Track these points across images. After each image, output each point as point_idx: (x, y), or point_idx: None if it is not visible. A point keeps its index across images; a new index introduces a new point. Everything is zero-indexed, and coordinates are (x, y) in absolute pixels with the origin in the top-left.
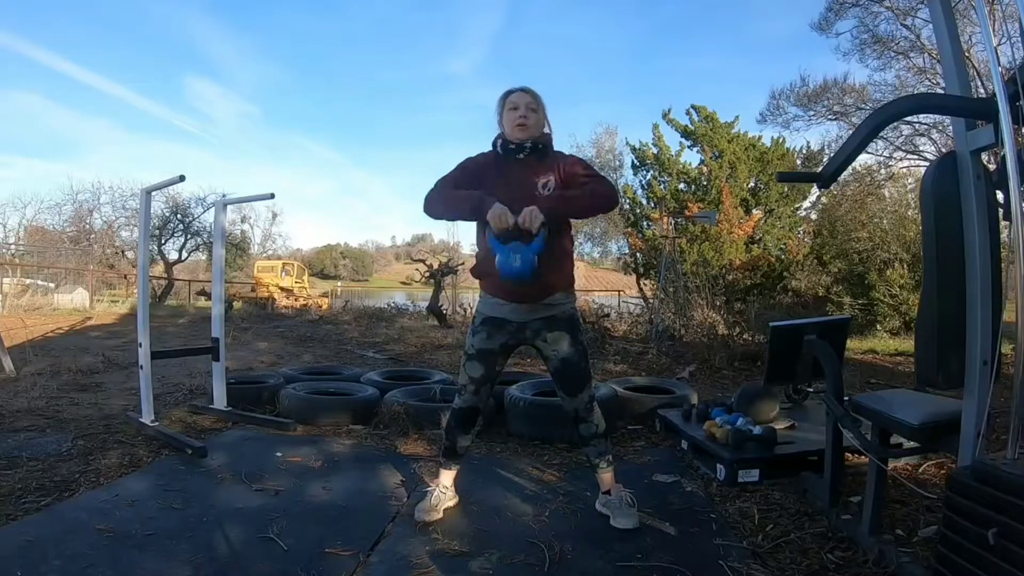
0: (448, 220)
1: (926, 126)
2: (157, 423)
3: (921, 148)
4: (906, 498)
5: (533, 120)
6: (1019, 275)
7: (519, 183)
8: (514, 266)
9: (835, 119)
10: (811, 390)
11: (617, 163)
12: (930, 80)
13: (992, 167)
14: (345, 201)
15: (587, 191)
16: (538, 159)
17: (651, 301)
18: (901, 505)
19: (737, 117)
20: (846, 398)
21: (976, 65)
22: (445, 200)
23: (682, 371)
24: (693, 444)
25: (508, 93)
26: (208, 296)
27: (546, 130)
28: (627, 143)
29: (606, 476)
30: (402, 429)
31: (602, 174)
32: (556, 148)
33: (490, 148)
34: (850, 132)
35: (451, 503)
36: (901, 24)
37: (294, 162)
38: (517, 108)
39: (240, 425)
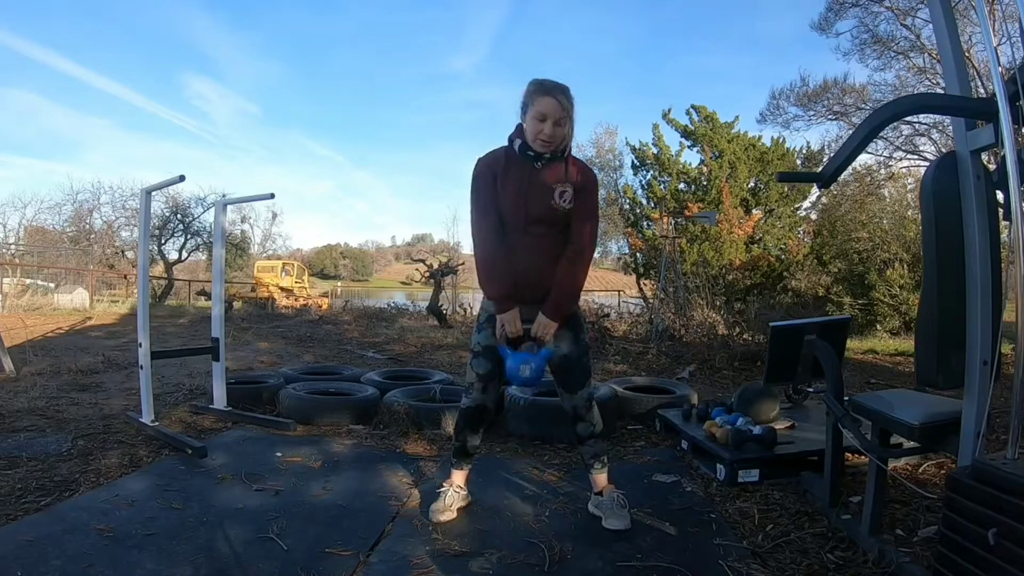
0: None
1: (926, 126)
2: (157, 423)
3: (921, 148)
4: (906, 498)
5: (558, 135)
6: (1019, 275)
7: (538, 191)
8: (524, 376)
9: (835, 119)
10: (811, 390)
11: (617, 163)
12: (930, 80)
13: (992, 167)
14: (345, 201)
15: (578, 265)
16: (557, 165)
17: (651, 301)
18: (901, 505)
19: (737, 117)
20: (846, 398)
21: (976, 65)
22: (482, 260)
23: (682, 371)
24: (693, 444)
25: (539, 91)
26: (208, 296)
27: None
28: (627, 143)
29: (600, 477)
30: (402, 429)
31: (590, 205)
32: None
33: (505, 143)
34: (850, 132)
35: (464, 503)
36: (901, 24)
37: (294, 162)
38: (545, 120)
39: (240, 425)
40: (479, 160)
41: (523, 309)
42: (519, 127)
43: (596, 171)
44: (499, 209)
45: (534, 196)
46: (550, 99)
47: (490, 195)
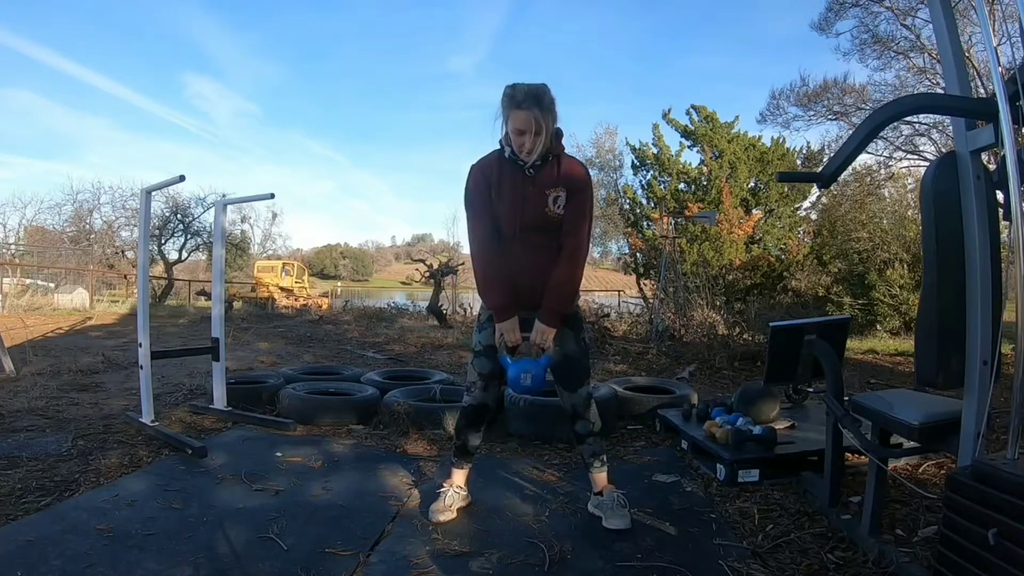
0: None
1: (926, 126)
2: (157, 423)
3: (921, 148)
4: (906, 498)
5: (540, 143)
6: (1019, 275)
7: (532, 199)
8: (525, 384)
9: (835, 119)
10: (811, 390)
11: (617, 163)
12: (930, 80)
13: (992, 167)
14: (345, 201)
15: (573, 266)
16: (549, 168)
17: (651, 301)
18: (901, 505)
19: (737, 117)
20: (846, 398)
21: (976, 65)
22: (481, 271)
23: (682, 371)
24: (693, 444)
25: (512, 106)
26: (208, 296)
27: (556, 125)
28: (627, 143)
29: (600, 476)
30: (402, 429)
31: (583, 205)
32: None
33: (497, 147)
34: (850, 132)
35: (464, 503)
36: (901, 24)
37: (294, 162)
38: (523, 134)
39: (240, 425)
40: (472, 168)
41: (522, 314)
42: (507, 138)
43: (596, 171)
44: (495, 216)
45: (528, 204)
46: (523, 113)
47: (485, 203)
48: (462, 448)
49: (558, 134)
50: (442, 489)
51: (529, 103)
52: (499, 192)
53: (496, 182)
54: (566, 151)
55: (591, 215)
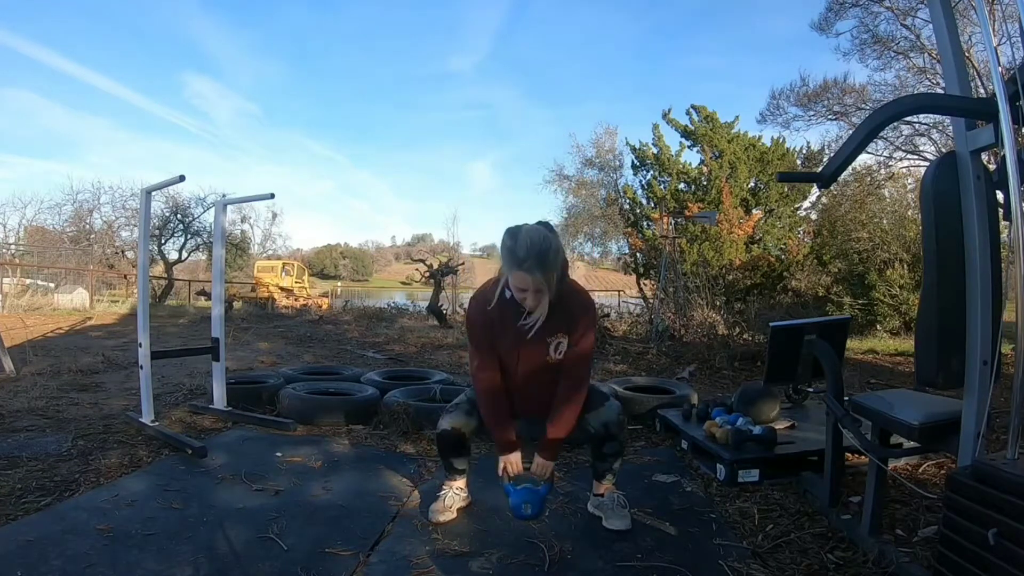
0: None
1: (926, 126)
2: (157, 423)
3: (921, 148)
4: (906, 498)
5: (543, 301)
6: (1019, 275)
7: (531, 346)
8: (526, 513)
9: (835, 119)
10: (811, 390)
11: (617, 163)
12: (930, 80)
13: (992, 167)
14: (345, 201)
15: (573, 404)
16: (550, 315)
17: (651, 301)
18: (901, 505)
19: (737, 117)
20: (846, 398)
21: (976, 65)
22: (484, 409)
23: (682, 371)
24: (693, 444)
25: (512, 264)
26: (208, 296)
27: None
28: (627, 143)
29: (604, 485)
30: (402, 429)
31: (584, 340)
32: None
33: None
34: (850, 132)
35: (464, 503)
36: (901, 24)
37: (294, 162)
38: (525, 290)
39: (240, 425)
40: (472, 302)
41: (523, 423)
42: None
43: (596, 171)
44: (496, 351)
45: (527, 351)
46: (523, 275)
47: (486, 336)
48: (449, 467)
49: (562, 275)
50: (442, 490)
51: (531, 265)
52: (500, 331)
53: (497, 322)
54: (573, 294)
55: (592, 351)
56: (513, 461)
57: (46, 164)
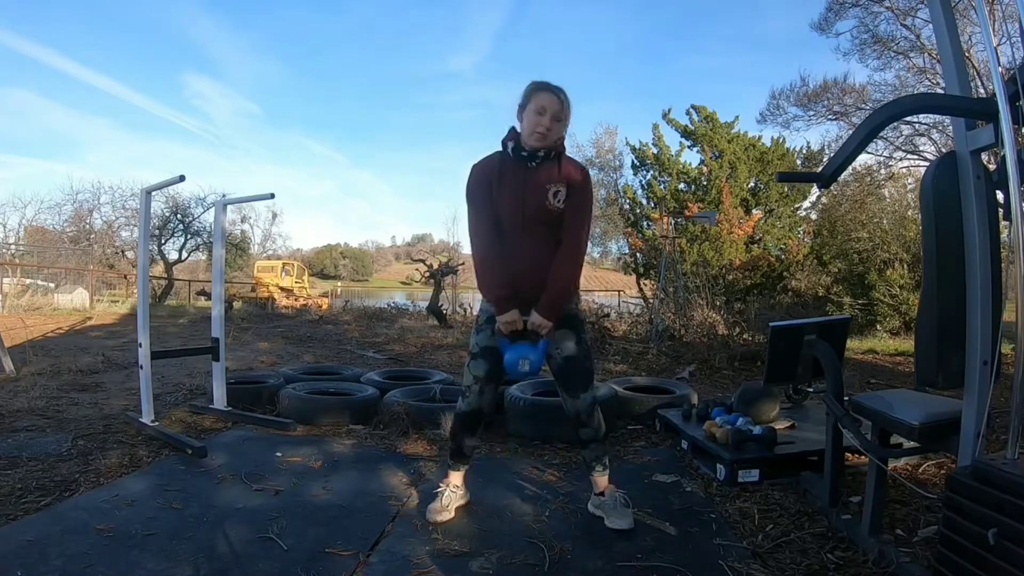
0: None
1: (926, 126)
2: (157, 423)
3: (921, 148)
4: (906, 498)
5: (555, 131)
6: (1019, 275)
7: (531, 192)
8: (523, 370)
9: (835, 119)
10: (811, 390)
11: (617, 163)
12: (930, 80)
13: (992, 167)
14: (345, 201)
15: (571, 262)
16: (550, 165)
17: (651, 301)
18: (901, 505)
19: (737, 117)
20: (846, 398)
21: (976, 65)
22: (481, 267)
23: (682, 371)
24: (693, 444)
25: (540, 88)
26: (208, 296)
27: (565, 132)
28: (627, 143)
29: (601, 479)
30: (402, 429)
31: (583, 202)
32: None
33: (499, 148)
34: (850, 132)
35: (462, 502)
36: (901, 24)
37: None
38: (543, 114)
39: (240, 425)
40: (473, 167)
41: (523, 310)
42: (512, 130)
43: (596, 171)
44: (496, 210)
45: (529, 197)
46: (550, 95)
47: (486, 197)
48: (458, 451)
49: (562, 143)
50: (439, 489)
51: (557, 90)
52: (500, 186)
53: (497, 177)
54: (570, 157)
55: (590, 215)
56: (509, 319)
57: (46, 164)
